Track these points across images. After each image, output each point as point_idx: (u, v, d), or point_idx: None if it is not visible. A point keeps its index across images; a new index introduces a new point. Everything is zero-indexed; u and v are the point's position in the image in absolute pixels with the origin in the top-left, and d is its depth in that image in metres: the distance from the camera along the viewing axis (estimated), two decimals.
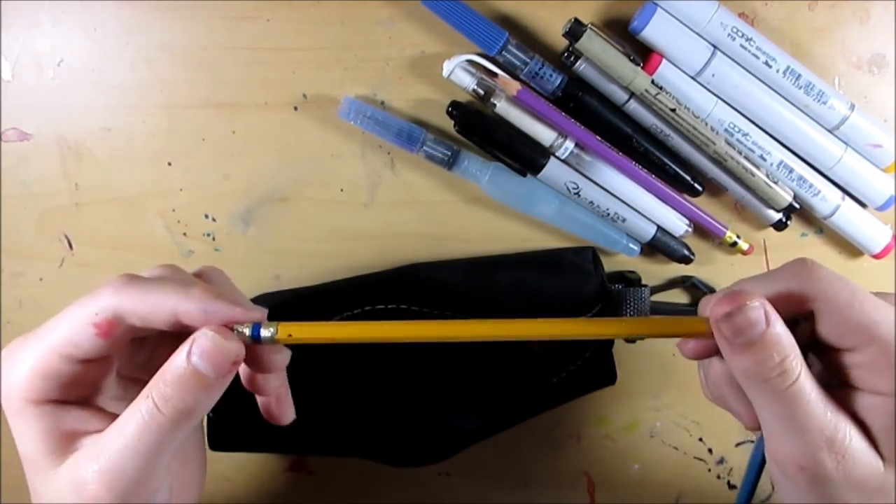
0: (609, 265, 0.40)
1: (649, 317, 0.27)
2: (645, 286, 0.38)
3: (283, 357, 0.28)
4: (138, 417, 0.24)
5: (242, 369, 0.29)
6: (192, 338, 0.24)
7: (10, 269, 0.40)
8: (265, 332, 0.25)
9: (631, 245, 0.38)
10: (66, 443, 0.25)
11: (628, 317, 0.28)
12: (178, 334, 0.25)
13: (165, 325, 0.25)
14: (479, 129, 0.36)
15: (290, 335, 0.25)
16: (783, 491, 0.26)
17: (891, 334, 0.23)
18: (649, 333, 0.27)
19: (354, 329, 0.26)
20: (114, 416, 0.25)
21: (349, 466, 0.43)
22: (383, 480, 0.43)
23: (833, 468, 0.23)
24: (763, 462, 0.30)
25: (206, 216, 0.39)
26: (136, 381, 0.28)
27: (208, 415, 0.38)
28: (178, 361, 0.24)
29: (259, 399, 0.30)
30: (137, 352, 0.28)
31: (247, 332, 0.25)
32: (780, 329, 0.24)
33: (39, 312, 0.41)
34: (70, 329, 0.25)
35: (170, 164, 0.38)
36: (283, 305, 0.37)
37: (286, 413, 0.30)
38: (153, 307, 0.25)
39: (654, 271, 0.40)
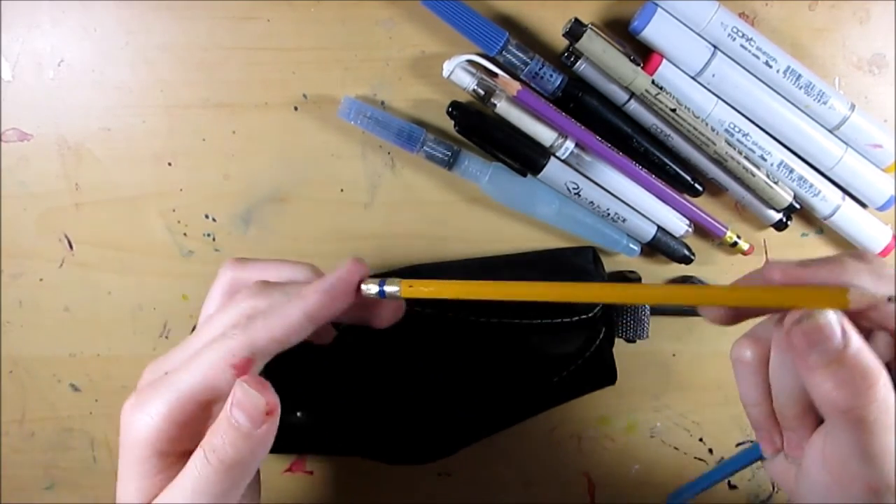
0: (609, 265, 0.40)
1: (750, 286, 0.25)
2: None
3: (400, 310, 0.30)
4: (193, 470, 0.24)
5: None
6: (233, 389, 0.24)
7: (10, 270, 0.40)
8: (389, 289, 0.27)
9: (631, 245, 0.38)
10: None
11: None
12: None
13: (306, 333, 0.26)
14: (479, 130, 0.36)
15: (411, 287, 0.27)
16: (821, 495, 0.24)
17: None
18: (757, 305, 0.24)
19: (471, 287, 0.27)
20: None
21: (349, 466, 0.43)
22: (383, 480, 0.43)
23: None
24: (750, 463, 0.29)
25: (207, 216, 0.39)
26: None
27: None
28: (223, 412, 0.24)
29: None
30: None
31: (374, 289, 0.27)
32: (860, 346, 0.22)
33: (39, 313, 0.41)
34: (207, 374, 0.25)
35: (170, 164, 0.38)
36: None
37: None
38: (286, 331, 0.25)
39: (655, 271, 0.40)
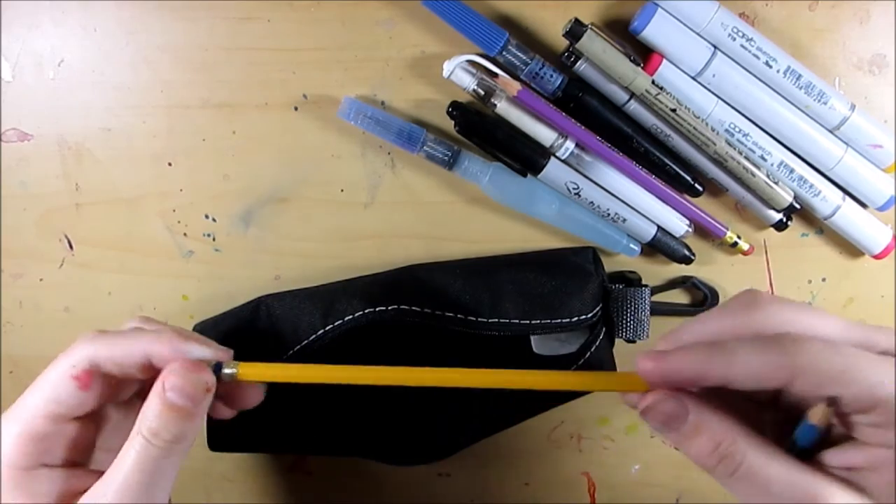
0: (609, 265, 0.40)
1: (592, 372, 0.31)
2: (645, 286, 0.38)
3: (258, 395, 0.31)
4: (133, 453, 0.26)
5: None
6: (161, 376, 0.26)
7: (11, 270, 0.40)
8: (227, 370, 0.28)
9: (631, 245, 0.38)
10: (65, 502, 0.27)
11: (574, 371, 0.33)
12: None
13: (140, 370, 0.27)
14: (479, 130, 0.36)
15: (247, 373, 0.28)
16: None
17: (892, 394, 0.21)
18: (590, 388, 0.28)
19: (316, 371, 0.29)
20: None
21: (349, 466, 0.43)
22: (383, 480, 0.43)
23: None
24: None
25: (207, 216, 0.39)
26: None
27: (208, 417, 0.38)
28: (155, 398, 0.26)
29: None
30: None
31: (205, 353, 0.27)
32: (703, 416, 0.24)
33: (39, 313, 0.41)
34: (51, 387, 0.26)
35: (170, 164, 0.38)
36: (283, 307, 0.37)
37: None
38: (126, 351, 0.27)
39: (655, 271, 0.40)
